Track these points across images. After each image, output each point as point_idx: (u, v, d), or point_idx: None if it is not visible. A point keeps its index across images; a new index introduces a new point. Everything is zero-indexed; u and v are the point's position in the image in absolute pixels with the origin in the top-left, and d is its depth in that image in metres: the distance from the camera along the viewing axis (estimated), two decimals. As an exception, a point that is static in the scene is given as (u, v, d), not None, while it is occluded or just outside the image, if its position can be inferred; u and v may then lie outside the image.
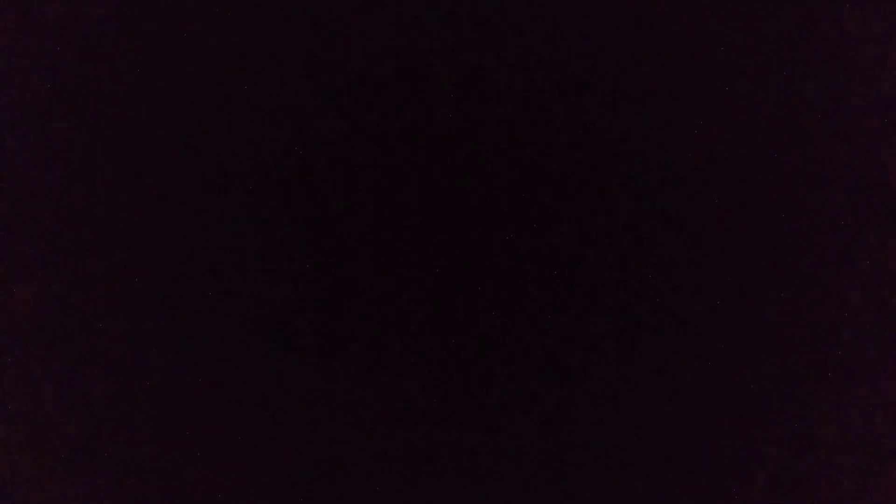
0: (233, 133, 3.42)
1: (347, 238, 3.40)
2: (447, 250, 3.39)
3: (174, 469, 3.36)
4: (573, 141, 3.41)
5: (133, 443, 3.36)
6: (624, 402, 3.36)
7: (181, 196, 3.40)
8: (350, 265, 3.39)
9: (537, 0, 3.43)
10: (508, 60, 3.43)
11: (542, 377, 3.37)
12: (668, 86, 3.42)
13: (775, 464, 3.35)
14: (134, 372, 3.37)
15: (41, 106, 3.42)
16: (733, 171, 3.40)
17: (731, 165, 3.40)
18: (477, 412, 3.37)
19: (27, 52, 3.43)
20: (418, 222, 3.40)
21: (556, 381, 3.37)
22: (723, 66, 3.42)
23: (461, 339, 3.38)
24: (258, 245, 3.40)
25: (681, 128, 3.40)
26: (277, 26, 3.44)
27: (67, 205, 3.40)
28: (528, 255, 3.39)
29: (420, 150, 3.40)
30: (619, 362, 3.37)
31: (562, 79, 3.42)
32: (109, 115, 3.42)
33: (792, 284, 3.38)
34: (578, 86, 3.42)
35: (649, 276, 3.37)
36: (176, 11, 3.43)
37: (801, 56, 3.43)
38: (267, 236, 3.40)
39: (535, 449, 3.36)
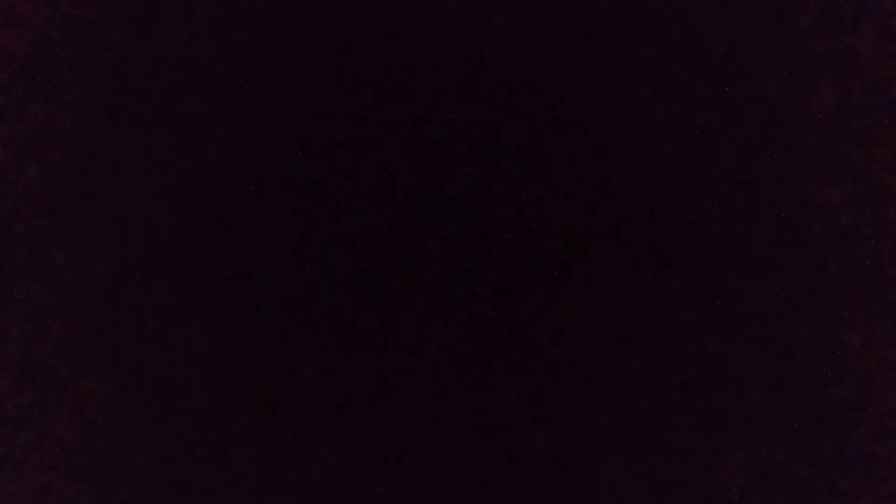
0: (233, 133, 3.42)
1: (348, 239, 3.40)
2: (447, 250, 3.39)
3: (174, 469, 3.36)
4: (574, 141, 3.41)
5: (133, 443, 3.36)
6: (624, 402, 3.37)
7: (181, 196, 3.40)
8: (350, 266, 3.39)
9: (538, 0, 3.44)
10: (509, 60, 3.43)
11: (542, 377, 3.38)
12: (669, 86, 3.42)
13: (775, 464, 3.35)
14: (134, 372, 3.37)
15: (42, 106, 3.42)
16: (733, 171, 3.40)
17: (732, 165, 3.41)
18: (477, 412, 3.38)
19: (27, 51, 3.43)
20: (418, 223, 3.40)
21: (556, 381, 3.37)
22: (723, 67, 3.43)
23: (460, 340, 3.38)
24: (257, 246, 3.40)
25: (681, 128, 3.41)
26: (278, 26, 3.44)
27: (67, 205, 3.40)
28: (529, 255, 3.39)
29: (421, 151, 3.40)
30: (618, 362, 3.37)
31: (563, 79, 3.43)
32: (110, 114, 3.43)
33: (792, 284, 3.38)
34: (579, 86, 3.42)
35: (649, 276, 3.38)
36: (176, 11, 3.43)
37: (802, 56, 3.43)
38: (266, 237, 3.40)
39: (535, 449, 3.36)
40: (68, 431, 3.36)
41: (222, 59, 3.43)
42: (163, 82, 3.43)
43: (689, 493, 3.34)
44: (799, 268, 3.38)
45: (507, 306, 3.38)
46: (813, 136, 3.41)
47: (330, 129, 3.42)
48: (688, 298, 3.37)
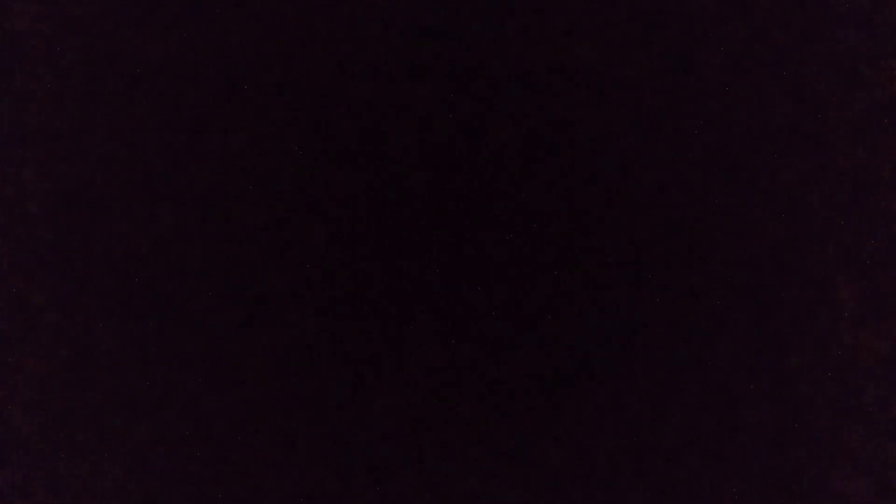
0: (233, 133, 3.42)
1: (347, 239, 3.40)
2: (447, 251, 3.39)
3: (174, 469, 3.36)
4: (574, 141, 3.41)
5: (133, 443, 3.36)
6: (624, 403, 3.37)
7: (182, 196, 3.40)
8: (350, 266, 3.39)
9: (537, 1, 3.43)
10: (509, 60, 3.43)
11: (542, 376, 3.38)
12: (669, 86, 3.42)
13: (774, 464, 3.35)
14: (134, 372, 3.37)
15: (42, 106, 3.42)
16: (733, 171, 3.40)
17: (732, 165, 3.40)
18: (476, 413, 3.38)
19: (27, 51, 3.43)
20: (418, 223, 3.40)
21: (556, 381, 3.37)
22: (723, 67, 3.42)
23: (460, 340, 3.38)
24: (258, 246, 3.40)
25: (681, 128, 3.41)
26: (278, 26, 3.44)
27: (68, 205, 3.41)
28: (529, 256, 3.39)
29: (421, 151, 3.40)
30: (618, 362, 3.37)
31: (562, 79, 3.42)
32: (110, 114, 3.43)
33: (791, 284, 3.38)
34: (579, 86, 3.42)
35: (650, 276, 3.38)
36: (176, 11, 3.43)
37: (802, 56, 3.43)
38: (267, 237, 3.40)
39: (535, 448, 3.36)
40: (70, 431, 3.36)
41: (223, 60, 3.43)
42: (164, 82, 3.43)
43: (689, 493, 3.35)
44: (799, 268, 3.38)
45: (507, 306, 3.38)
46: (813, 136, 3.41)
47: (331, 130, 3.42)
48: (688, 298, 3.37)
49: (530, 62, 3.43)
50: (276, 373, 3.38)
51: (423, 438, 3.37)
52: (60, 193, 3.40)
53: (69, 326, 3.38)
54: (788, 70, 3.42)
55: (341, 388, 3.38)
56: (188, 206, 3.40)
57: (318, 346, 3.38)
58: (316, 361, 3.38)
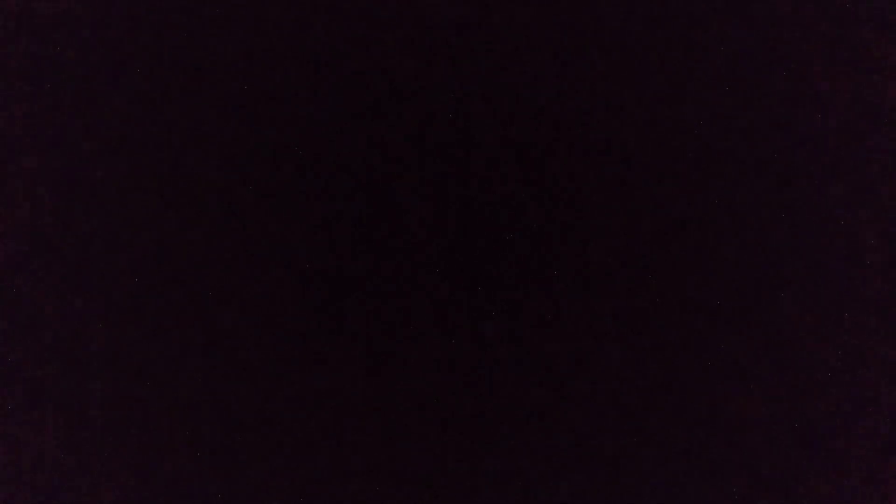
0: (233, 134, 3.42)
1: (348, 240, 3.40)
2: (448, 252, 3.39)
3: (174, 469, 3.36)
4: (574, 142, 3.41)
5: (132, 443, 3.36)
6: (623, 402, 3.37)
7: (181, 196, 3.40)
8: (350, 267, 3.39)
9: (538, 2, 3.44)
10: (510, 62, 3.43)
11: (542, 377, 3.38)
12: (669, 86, 3.42)
13: (774, 464, 3.35)
14: (134, 372, 3.37)
15: (41, 106, 3.42)
16: (733, 171, 3.40)
17: (731, 165, 3.41)
18: (476, 415, 3.38)
19: (27, 51, 3.43)
20: (419, 224, 3.40)
21: (556, 381, 3.37)
22: (723, 67, 3.43)
23: (460, 341, 3.38)
24: (258, 247, 3.40)
25: (681, 128, 3.41)
26: (278, 27, 3.44)
27: (68, 205, 3.40)
28: (529, 256, 3.39)
29: (421, 151, 3.40)
30: (618, 362, 3.37)
31: (562, 79, 3.43)
32: (110, 114, 3.43)
33: (792, 284, 3.38)
34: (579, 86, 3.42)
35: (650, 276, 3.38)
36: (176, 11, 3.43)
37: (801, 56, 3.43)
38: (267, 238, 3.40)
39: (535, 450, 3.36)
40: (69, 431, 3.36)
41: (222, 60, 3.43)
42: (163, 80, 3.43)
43: (689, 493, 3.35)
44: (799, 268, 3.38)
45: (507, 306, 3.38)
46: (813, 136, 3.42)
47: (330, 131, 3.42)
48: (688, 298, 3.37)
49: (530, 61, 3.43)
50: (276, 373, 3.38)
51: (422, 438, 3.37)
52: (59, 193, 3.40)
53: (69, 326, 3.37)
54: (788, 69, 3.42)
55: (341, 389, 3.38)
56: (188, 205, 3.40)
57: (318, 347, 3.38)
58: (315, 362, 3.38)
